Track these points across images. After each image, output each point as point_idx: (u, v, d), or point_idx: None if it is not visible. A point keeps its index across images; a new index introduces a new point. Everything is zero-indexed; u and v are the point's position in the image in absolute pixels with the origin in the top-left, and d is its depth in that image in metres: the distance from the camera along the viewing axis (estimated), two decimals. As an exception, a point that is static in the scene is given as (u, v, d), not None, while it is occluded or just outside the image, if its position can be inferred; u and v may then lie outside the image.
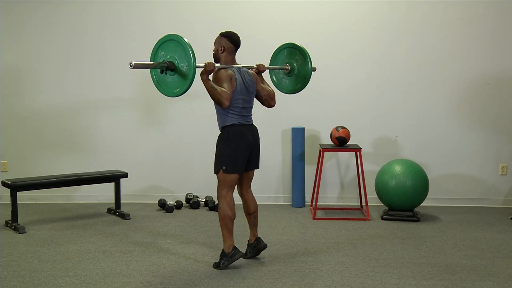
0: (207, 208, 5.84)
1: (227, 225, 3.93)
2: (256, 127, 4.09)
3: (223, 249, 3.97)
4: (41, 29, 6.05)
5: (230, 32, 4.01)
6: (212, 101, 3.85)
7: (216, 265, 3.97)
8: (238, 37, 4.00)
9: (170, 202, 5.87)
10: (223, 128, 3.96)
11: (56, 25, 6.05)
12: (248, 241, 4.21)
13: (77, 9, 6.01)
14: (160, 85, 3.71)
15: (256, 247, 4.14)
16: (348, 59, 5.93)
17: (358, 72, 5.94)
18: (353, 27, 5.90)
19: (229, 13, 5.92)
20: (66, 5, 6.02)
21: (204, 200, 5.93)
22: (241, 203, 4.20)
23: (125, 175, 5.62)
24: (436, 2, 5.81)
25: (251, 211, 4.15)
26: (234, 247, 3.96)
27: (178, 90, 3.62)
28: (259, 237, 4.18)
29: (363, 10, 5.87)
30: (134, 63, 3.41)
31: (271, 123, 5.93)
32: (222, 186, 3.94)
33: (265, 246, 4.16)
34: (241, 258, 4.04)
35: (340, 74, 5.94)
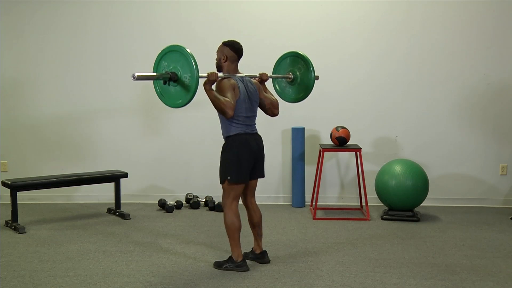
0: (207, 208, 5.84)
1: (233, 235, 3.88)
2: (260, 136, 4.03)
3: (231, 256, 3.92)
4: (41, 29, 6.05)
5: (233, 41, 3.93)
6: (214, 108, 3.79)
7: (218, 265, 3.95)
8: (241, 45, 3.92)
9: (170, 202, 5.87)
10: (227, 138, 3.90)
11: (56, 26, 6.04)
12: (252, 248, 4.15)
13: (77, 9, 6.01)
14: (163, 96, 3.66)
15: (259, 259, 4.08)
16: (348, 59, 5.93)
17: (358, 72, 5.94)
18: (353, 27, 5.90)
19: (229, 13, 5.91)
20: (66, 5, 6.02)
21: (204, 200, 5.93)
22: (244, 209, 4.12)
23: (125, 175, 5.62)
24: (436, 2, 5.81)
25: (255, 222, 4.07)
26: (244, 260, 3.92)
27: (180, 101, 3.57)
28: (265, 251, 4.10)
29: (363, 10, 5.87)
30: (137, 75, 3.36)
31: (271, 123, 5.90)
32: (228, 196, 3.89)
33: (267, 262, 4.07)
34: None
35: (340, 74, 5.94)
